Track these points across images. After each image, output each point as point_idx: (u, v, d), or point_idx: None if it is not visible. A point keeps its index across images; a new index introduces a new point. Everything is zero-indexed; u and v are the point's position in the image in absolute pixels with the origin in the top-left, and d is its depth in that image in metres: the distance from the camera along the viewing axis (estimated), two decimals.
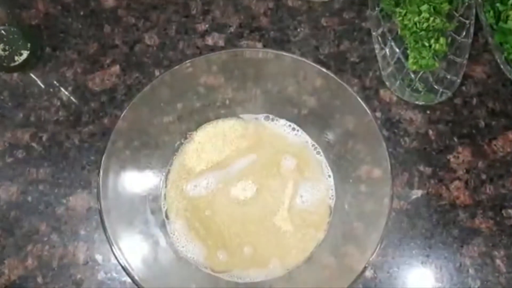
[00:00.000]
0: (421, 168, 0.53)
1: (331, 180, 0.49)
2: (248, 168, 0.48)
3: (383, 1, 0.57)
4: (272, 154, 0.49)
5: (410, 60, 0.55)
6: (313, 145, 0.51)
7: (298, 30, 0.59)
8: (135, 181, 0.49)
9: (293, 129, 0.51)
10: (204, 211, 0.47)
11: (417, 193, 0.52)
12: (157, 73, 0.57)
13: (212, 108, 0.53)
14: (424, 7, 0.55)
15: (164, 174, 0.50)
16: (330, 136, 0.51)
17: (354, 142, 0.50)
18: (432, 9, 0.55)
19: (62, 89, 0.56)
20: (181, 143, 0.51)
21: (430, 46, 0.55)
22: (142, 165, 0.50)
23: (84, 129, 0.55)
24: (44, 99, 0.56)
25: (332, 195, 0.49)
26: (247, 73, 0.52)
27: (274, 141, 0.50)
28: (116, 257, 0.41)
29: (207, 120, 0.52)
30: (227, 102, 0.53)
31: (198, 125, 0.51)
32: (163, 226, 0.48)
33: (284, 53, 0.46)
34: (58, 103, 0.56)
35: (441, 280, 0.50)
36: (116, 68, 0.57)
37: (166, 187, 0.49)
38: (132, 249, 0.44)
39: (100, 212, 0.42)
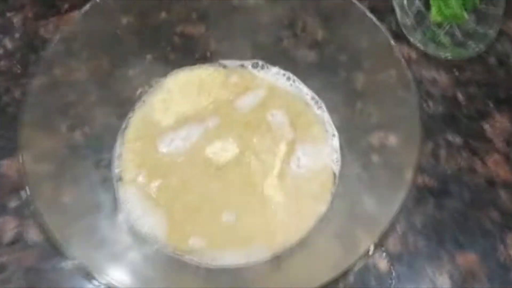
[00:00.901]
0: (449, 137, 0.42)
1: (336, 140, 0.38)
2: (229, 124, 0.37)
3: None
4: (260, 108, 0.38)
5: (434, 11, 0.45)
6: (313, 99, 0.40)
7: None
8: (83, 140, 0.38)
9: (288, 78, 0.40)
10: (169, 175, 0.36)
11: (444, 167, 0.41)
12: (124, 21, 0.46)
13: (188, 60, 0.43)
14: None
15: (122, 129, 0.39)
16: (336, 91, 0.40)
17: (366, 100, 0.40)
18: None
19: (7, 35, 0.46)
20: (145, 91, 0.40)
21: None
22: (96, 122, 0.40)
23: (29, 81, 0.44)
24: None
25: (337, 159, 0.37)
26: (234, 22, 0.42)
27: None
28: (50, 237, 0.29)
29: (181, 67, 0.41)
30: (208, 54, 0.43)
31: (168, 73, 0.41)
32: (113, 194, 0.37)
33: None
34: (1, 52, 0.45)
35: (479, 278, 0.37)
36: (75, 14, 0.47)
37: (123, 144, 0.38)
38: (72, 225, 0.32)
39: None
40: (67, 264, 0.33)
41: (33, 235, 0.38)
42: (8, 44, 0.46)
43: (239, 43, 0.43)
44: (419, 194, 0.40)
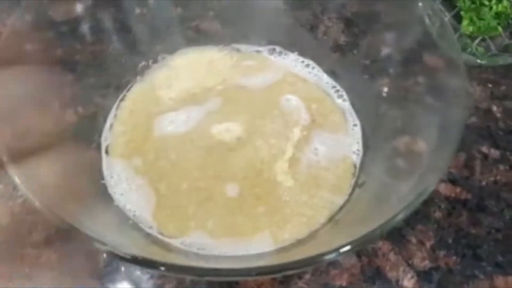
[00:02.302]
0: (484, 149, 0.37)
1: (358, 130, 0.33)
2: (236, 105, 0.33)
3: None
4: (273, 91, 0.34)
5: (465, 22, 0.43)
6: (334, 87, 0.36)
7: None
8: (76, 119, 0.34)
9: (307, 65, 0.37)
10: (162, 153, 0.31)
11: (480, 180, 0.36)
12: (138, 11, 0.44)
13: (195, 33, 0.40)
14: None
15: (118, 101, 0.35)
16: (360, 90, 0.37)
17: (390, 107, 0.36)
18: None
19: (13, 15, 0.44)
20: (148, 66, 0.36)
21: (490, 7, 0.42)
22: (92, 99, 0.36)
23: (29, 57, 0.41)
24: None
25: (358, 150, 0.33)
26: (252, 22, 0.40)
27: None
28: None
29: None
30: (219, 27, 0.40)
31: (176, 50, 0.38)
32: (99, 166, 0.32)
33: None
34: (4, 30, 0.43)
35: None
36: (87, 1, 0.45)
37: (115, 116, 0.34)
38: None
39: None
40: None
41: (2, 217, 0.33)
42: (17, 22, 0.43)
43: (256, 35, 0.40)
44: (450, 206, 0.34)
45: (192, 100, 0.33)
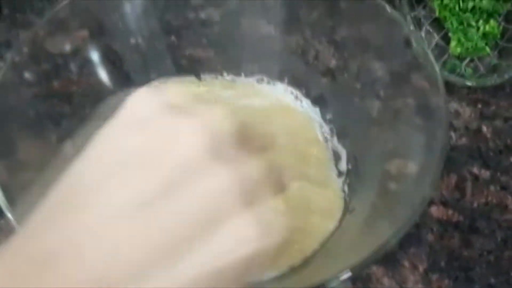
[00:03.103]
0: (475, 170, 0.38)
1: (344, 163, 0.34)
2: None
3: None
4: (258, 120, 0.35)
5: (453, 43, 0.43)
6: (323, 119, 0.37)
7: (312, 12, 0.48)
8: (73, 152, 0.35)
9: (296, 97, 0.38)
10: None
11: (471, 202, 0.36)
12: (132, 41, 0.45)
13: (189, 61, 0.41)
14: None
15: None
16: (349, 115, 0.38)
17: (381, 129, 0.37)
18: None
19: (11, 49, 0.45)
20: None
21: (478, 27, 0.43)
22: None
23: (26, 90, 0.42)
24: None
25: (347, 180, 0.33)
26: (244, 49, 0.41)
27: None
28: None
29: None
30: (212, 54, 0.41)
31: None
32: None
33: None
34: (1, 64, 0.44)
35: None
36: (84, 33, 0.46)
37: None
38: None
39: None
40: None
41: None
42: (15, 57, 0.45)
43: (248, 60, 0.41)
44: (442, 229, 0.35)
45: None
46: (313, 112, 0.38)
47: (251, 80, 0.39)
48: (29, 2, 0.48)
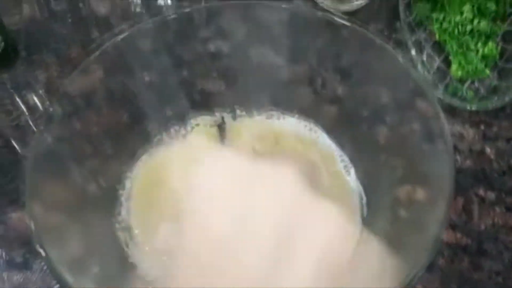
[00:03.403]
0: (481, 192, 0.40)
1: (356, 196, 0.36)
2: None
3: (417, 7, 0.49)
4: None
5: (454, 67, 0.45)
6: (338, 153, 0.39)
7: (316, 40, 0.50)
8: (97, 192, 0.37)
9: (310, 129, 0.39)
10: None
11: (478, 224, 0.38)
12: (147, 78, 0.47)
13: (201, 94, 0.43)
14: (467, 7, 0.46)
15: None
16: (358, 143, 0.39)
17: (389, 156, 0.39)
18: (475, 10, 0.46)
19: (30, 92, 0.47)
20: (162, 139, 0.39)
21: (477, 50, 0.45)
22: (110, 173, 0.39)
23: (49, 132, 0.44)
24: (7, 102, 0.46)
25: (360, 215, 0.36)
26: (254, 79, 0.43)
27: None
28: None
29: None
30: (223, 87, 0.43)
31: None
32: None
33: None
34: (23, 107, 0.46)
35: None
36: (100, 73, 0.48)
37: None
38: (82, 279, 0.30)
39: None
40: None
41: None
42: (30, 100, 0.46)
43: (258, 91, 0.43)
44: (453, 253, 0.37)
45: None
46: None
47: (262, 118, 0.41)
48: (45, 43, 0.50)
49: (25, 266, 0.37)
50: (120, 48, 0.36)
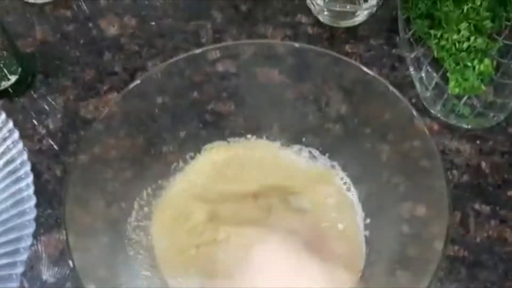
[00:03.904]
0: (477, 206, 0.43)
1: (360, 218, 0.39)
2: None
3: (415, 24, 0.51)
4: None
5: (452, 83, 0.47)
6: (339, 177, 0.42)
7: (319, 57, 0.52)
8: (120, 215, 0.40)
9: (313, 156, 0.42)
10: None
11: (475, 237, 0.41)
12: (159, 101, 0.50)
13: (219, 136, 0.45)
14: (463, 25, 0.48)
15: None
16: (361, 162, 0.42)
17: (391, 173, 0.41)
18: (472, 28, 0.48)
19: (49, 116, 0.49)
20: (179, 168, 0.42)
21: (473, 67, 0.47)
22: (130, 197, 0.42)
23: (69, 159, 0.47)
24: (28, 127, 0.49)
25: (364, 233, 0.38)
26: (261, 99, 0.45)
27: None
28: None
29: None
30: (237, 131, 0.45)
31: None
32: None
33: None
34: (44, 132, 0.49)
35: None
36: (113, 95, 0.50)
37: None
38: None
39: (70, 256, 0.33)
40: None
41: None
42: (50, 124, 0.49)
43: (265, 109, 0.45)
44: (451, 265, 0.40)
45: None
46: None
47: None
48: (60, 66, 0.52)
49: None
50: (140, 88, 0.39)
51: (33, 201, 0.40)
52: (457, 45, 0.48)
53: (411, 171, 0.41)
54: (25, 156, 0.41)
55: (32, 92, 0.51)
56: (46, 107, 0.50)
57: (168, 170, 0.42)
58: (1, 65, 0.49)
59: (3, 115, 0.43)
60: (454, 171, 0.44)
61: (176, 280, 0.36)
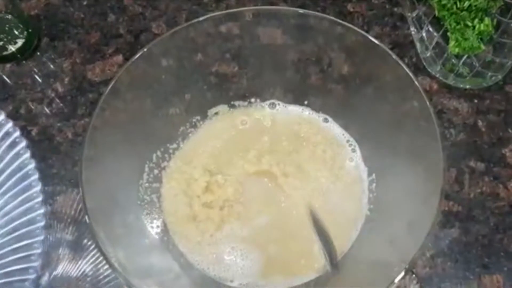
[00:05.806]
0: (472, 163, 0.45)
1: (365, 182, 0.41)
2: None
3: None
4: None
5: (452, 43, 0.48)
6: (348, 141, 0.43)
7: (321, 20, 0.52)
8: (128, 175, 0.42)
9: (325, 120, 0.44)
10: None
11: (468, 192, 0.43)
12: (164, 64, 0.50)
13: (223, 98, 0.46)
14: None
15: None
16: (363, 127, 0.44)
17: (393, 132, 0.43)
18: None
19: (58, 80, 0.50)
20: (187, 132, 0.44)
21: (473, 27, 0.48)
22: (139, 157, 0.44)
23: (79, 122, 0.48)
24: (37, 91, 0.50)
25: (369, 189, 0.41)
26: (264, 60, 0.46)
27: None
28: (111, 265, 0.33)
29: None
30: (241, 93, 0.46)
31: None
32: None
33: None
34: (53, 95, 0.50)
35: None
36: (118, 58, 0.51)
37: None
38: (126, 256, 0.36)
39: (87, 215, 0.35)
40: None
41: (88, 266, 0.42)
42: (59, 87, 0.50)
43: (269, 71, 0.46)
44: (445, 219, 0.42)
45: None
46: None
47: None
48: (65, 29, 0.53)
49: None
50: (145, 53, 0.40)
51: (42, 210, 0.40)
52: (458, 4, 0.48)
53: (410, 130, 0.42)
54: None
55: (39, 54, 0.51)
56: (54, 70, 0.51)
57: (176, 133, 0.44)
58: (7, 28, 0.50)
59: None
60: (452, 130, 0.46)
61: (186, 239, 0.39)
